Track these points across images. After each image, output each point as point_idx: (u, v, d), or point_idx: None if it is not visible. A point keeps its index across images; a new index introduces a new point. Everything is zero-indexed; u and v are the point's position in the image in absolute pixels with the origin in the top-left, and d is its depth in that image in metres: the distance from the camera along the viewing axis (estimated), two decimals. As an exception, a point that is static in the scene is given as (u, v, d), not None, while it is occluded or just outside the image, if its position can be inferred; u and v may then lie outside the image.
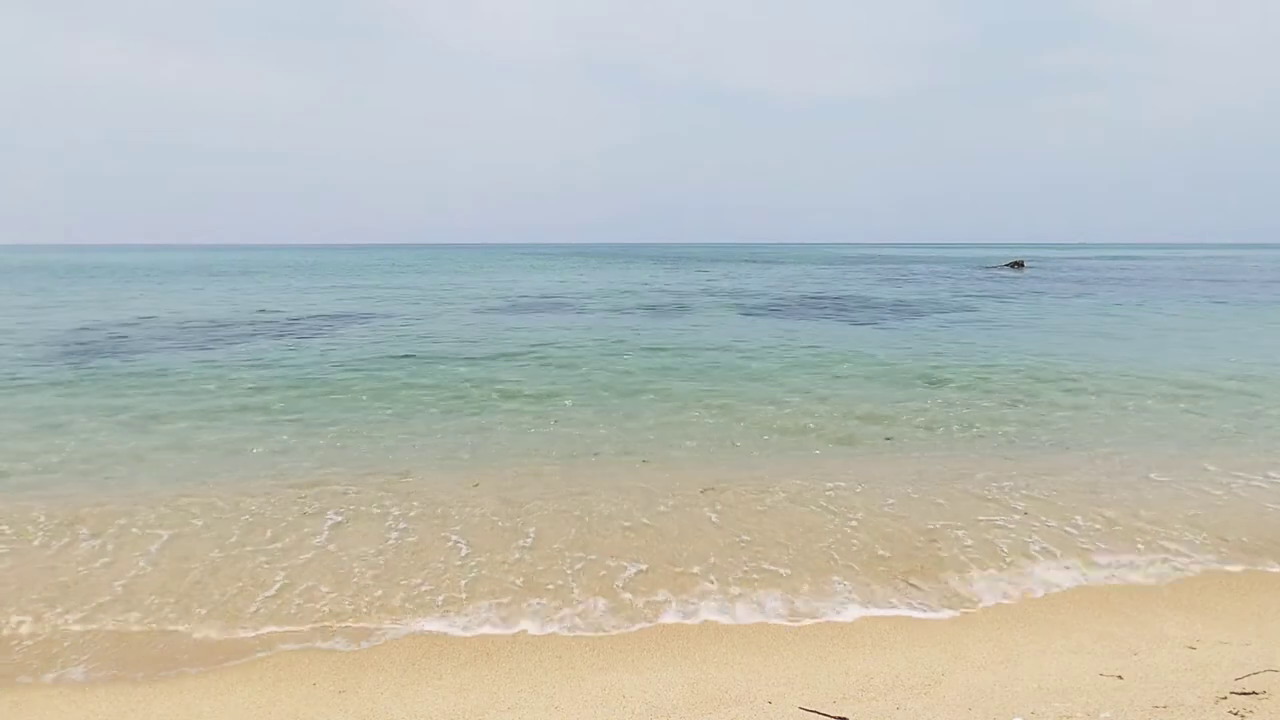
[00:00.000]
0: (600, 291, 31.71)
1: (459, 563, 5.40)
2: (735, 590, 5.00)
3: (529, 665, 4.13)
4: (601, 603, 4.83)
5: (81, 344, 15.98)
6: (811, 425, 9.06)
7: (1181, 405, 10.00)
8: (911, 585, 5.05)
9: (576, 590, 5.00)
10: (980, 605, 4.80)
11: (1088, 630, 4.45)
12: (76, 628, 4.55)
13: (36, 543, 5.74)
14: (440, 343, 16.03)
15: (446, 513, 6.33)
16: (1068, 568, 5.29)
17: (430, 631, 4.51)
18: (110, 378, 12.07)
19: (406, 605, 4.82)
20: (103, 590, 5.00)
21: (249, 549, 5.63)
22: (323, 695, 3.83)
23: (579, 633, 4.50)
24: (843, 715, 3.42)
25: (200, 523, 6.11)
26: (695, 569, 5.29)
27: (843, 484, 6.97)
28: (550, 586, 5.06)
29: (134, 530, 5.96)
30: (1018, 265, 55.00)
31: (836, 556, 5.47)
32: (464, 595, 4.93)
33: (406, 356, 14.01)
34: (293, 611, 4.74)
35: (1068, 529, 5.93)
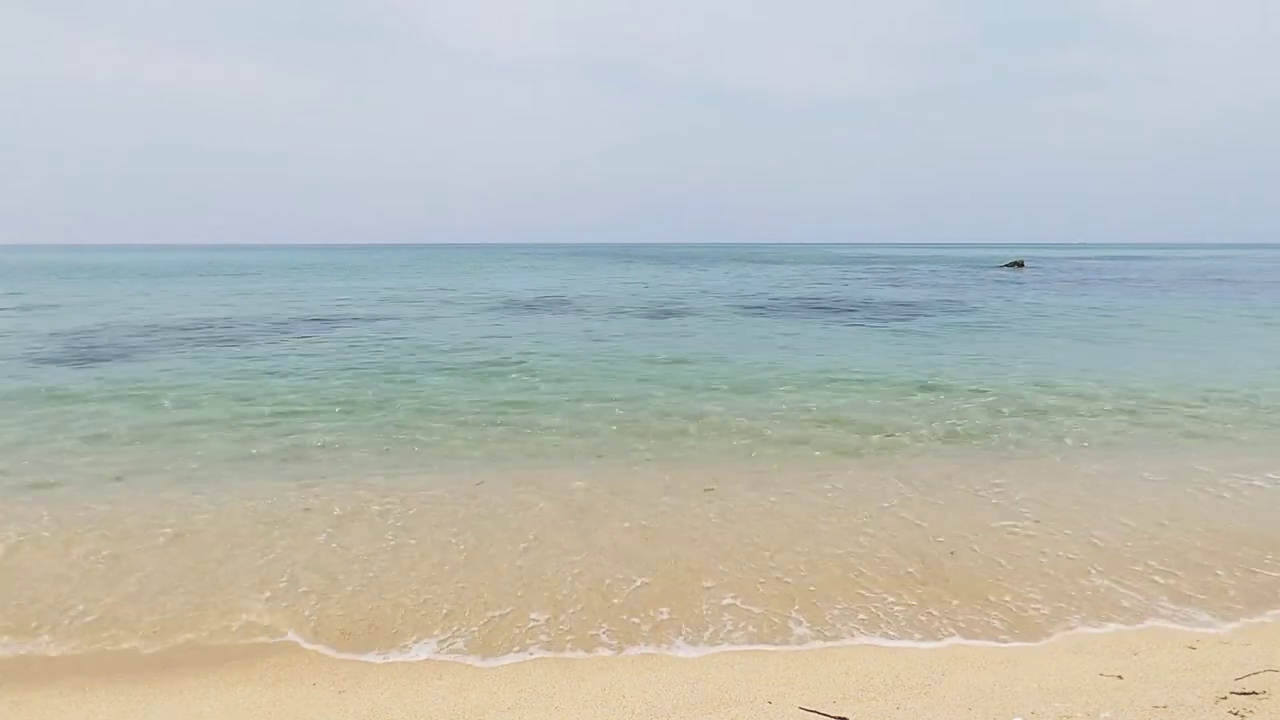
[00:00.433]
0: (599, 293, 31.64)
1: (457, 566, 5.40)
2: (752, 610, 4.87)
3: (529, 665, 4.14)
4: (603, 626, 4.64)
5: (86, 349, 15.96)
6: (811, 435, 9.02)
7: (1185, 414, 9.93)
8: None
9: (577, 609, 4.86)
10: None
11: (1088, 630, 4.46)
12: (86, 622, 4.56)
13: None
14: (430, 350, 15.64)
15: (452, 515, 6.33)
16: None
17: (431, 633, 4.51)
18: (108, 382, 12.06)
19: (407, 607, 4.82)
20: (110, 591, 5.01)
21: (249, 550, 5.63)
22: (323, 695, 3.83)
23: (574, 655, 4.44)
24: (843, 715, 3.42)
25: (187, 525, 6.11)
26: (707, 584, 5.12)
27: (843, 489, 6.95)
28: (552, 604, 5.03)
29: (137, 533, 5.97)
30: (1018, 265, 55.00)
31: (862, 570, 5.40)
32: (466, 598, 4.93)
33: (393, 371, 13.77)
34: (295, 611, 4.75)
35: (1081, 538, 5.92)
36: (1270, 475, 7.20)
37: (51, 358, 14.19)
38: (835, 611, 4.70)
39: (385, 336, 17.35)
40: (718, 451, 8.15)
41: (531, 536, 5.86)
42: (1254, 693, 3.44)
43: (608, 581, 5.12)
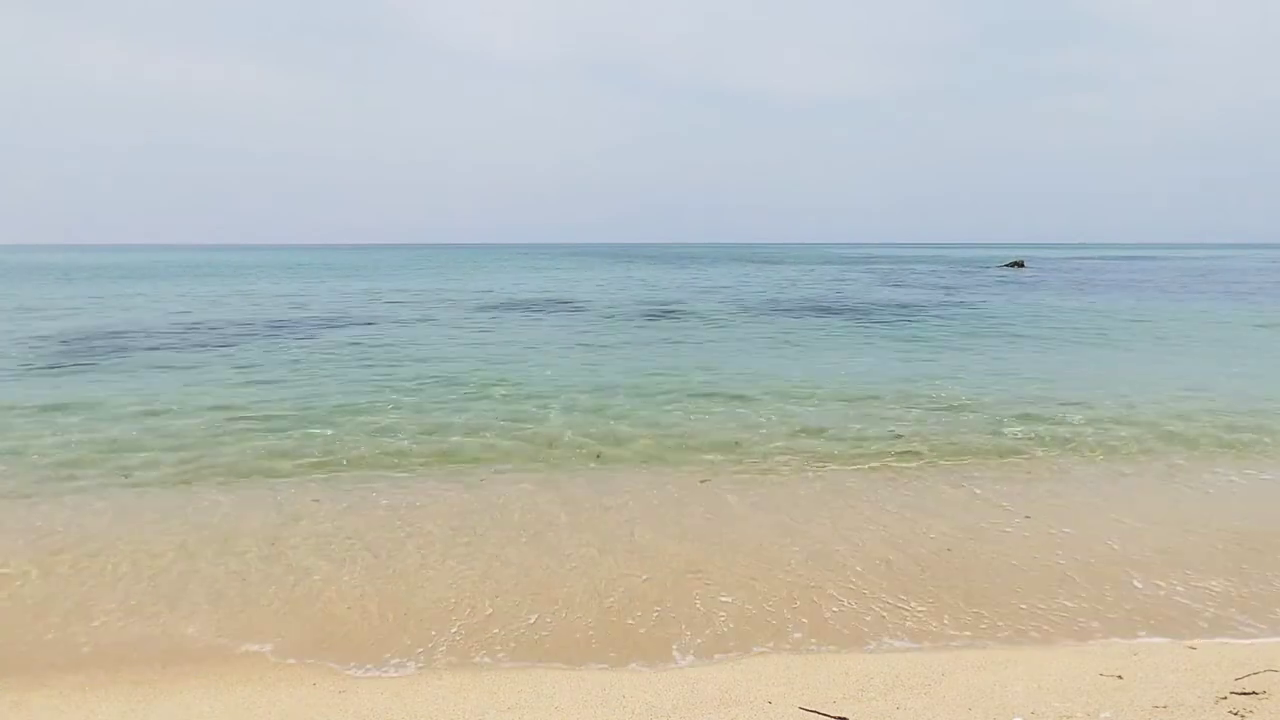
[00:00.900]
0: (596, 294, 31.57)
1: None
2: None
3: (529, 665, 4.13)
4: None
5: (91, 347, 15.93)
6: (807, 445, 8.99)
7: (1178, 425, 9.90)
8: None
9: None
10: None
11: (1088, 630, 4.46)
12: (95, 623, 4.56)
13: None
14: (427, 360, 14.87)
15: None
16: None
17: (430, 633, 4.51)
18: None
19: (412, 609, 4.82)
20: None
21: (245, 553, 5.64)
22: (323, 695, 3.83)
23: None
24: (843, 715, 3.42)
25: (193, 529, 6.11)
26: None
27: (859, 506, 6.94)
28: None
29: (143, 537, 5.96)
30: (1018, 265, 55.04)
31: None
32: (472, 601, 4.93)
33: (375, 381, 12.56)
34: (295, 611, 4.75)
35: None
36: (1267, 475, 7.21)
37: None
38: (834, 611, 4.70)
39: (373, 345, 17.27)
40: (711, 447, 8.16)
41: (529, 538, 5.87)
42: (1254, 693, 3.44)
43: (606, 582, 5.12)
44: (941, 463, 7.74)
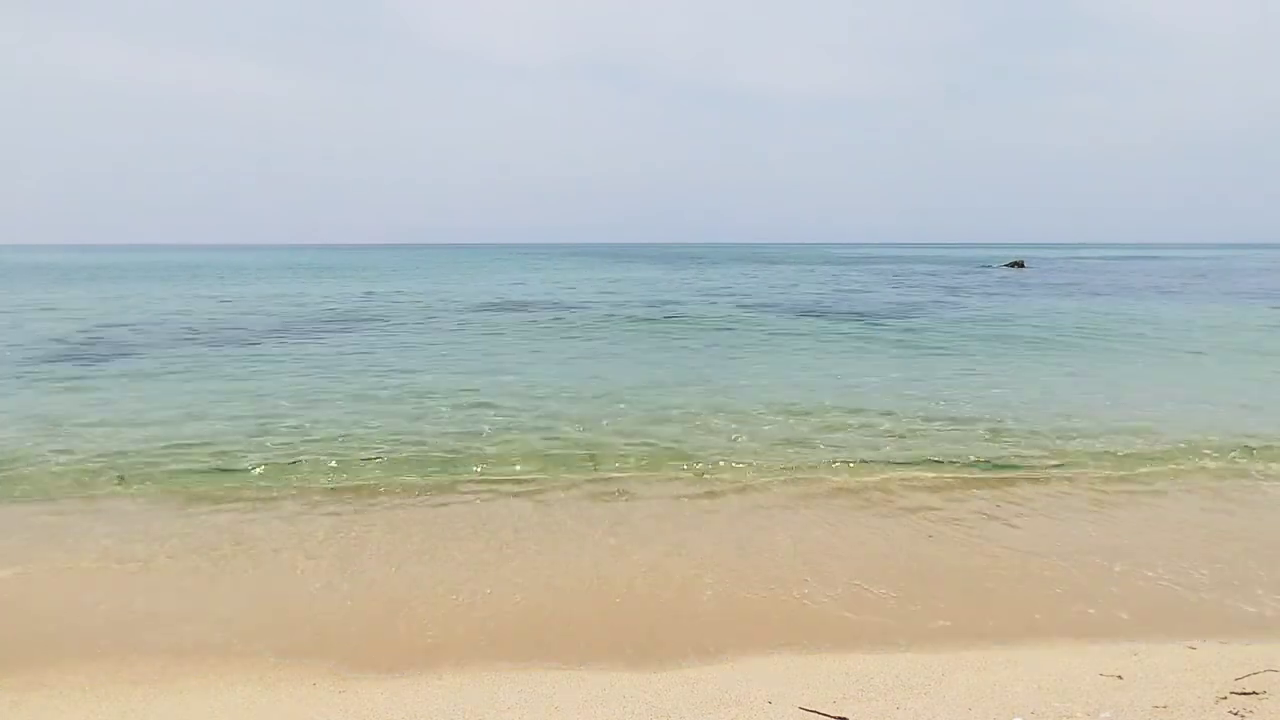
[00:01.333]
0: (594, 296, 31.42)
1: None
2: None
3: (529, 666, 4.13)
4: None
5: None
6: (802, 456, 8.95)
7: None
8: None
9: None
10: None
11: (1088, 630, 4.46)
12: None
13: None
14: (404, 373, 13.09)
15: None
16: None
17: (430, 634, 4.51)
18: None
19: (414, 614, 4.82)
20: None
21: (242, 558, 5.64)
22: (323, 695, 3.83)
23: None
24: (843, 715, 3.42)
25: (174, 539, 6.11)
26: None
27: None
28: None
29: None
30: (1018, 265, 55.06)
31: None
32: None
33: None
34: (295, 612, 4.75)
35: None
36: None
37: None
38: (833, 610, 4.70)
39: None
40: (715, 449, 8.16)
41: (528, 539, 5.87)
42: (1254, 693, 3.44)
43: (606, 583, 5.13)
44: (936, 479, 7.72)
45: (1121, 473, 7.44)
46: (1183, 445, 8.32)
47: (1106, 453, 8.06)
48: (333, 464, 7.64)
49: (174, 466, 7.53)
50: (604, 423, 9.28)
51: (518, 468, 7.59)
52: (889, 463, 7.78)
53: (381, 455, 7.94)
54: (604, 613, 4.72)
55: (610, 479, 7.23)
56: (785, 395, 10.88)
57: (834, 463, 7.76)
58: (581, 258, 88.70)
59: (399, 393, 11.09)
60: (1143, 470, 7.54)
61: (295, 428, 9.02)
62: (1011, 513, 6.32)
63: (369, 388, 11.43)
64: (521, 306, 25.46)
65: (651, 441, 8.46)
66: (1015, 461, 7.89)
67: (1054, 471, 7.49)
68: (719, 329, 19.13)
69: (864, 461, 7.82)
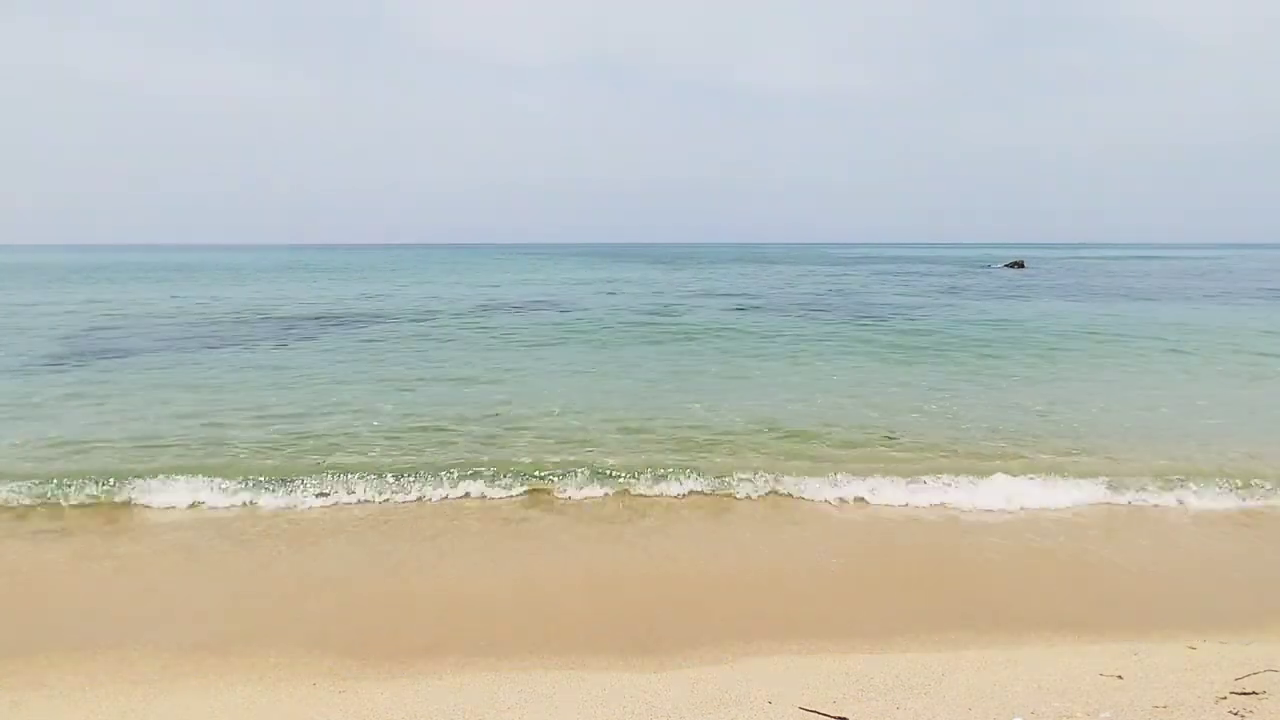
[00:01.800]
0: (592, 297, 31.35)
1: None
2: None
3: (529, 666, 4.13)
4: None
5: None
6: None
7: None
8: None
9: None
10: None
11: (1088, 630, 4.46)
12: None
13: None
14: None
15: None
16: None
17: (430, 634, 4.51)
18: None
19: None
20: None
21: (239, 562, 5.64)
22: (323, 695, 3.83)
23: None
24: (843, 715, 3.42)
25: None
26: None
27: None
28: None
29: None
30: (1018, 265, 55.02)
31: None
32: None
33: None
34: (294, 613, 4.75)
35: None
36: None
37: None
38: (832, 610, 4.70)
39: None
40: (711, 453, 8.15)
41: (527, 540, 5.88)
42: (1254, 693, 3.44)
43: (606, 584, 5.13)
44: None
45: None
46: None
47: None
48: (330, 465, 7.63)
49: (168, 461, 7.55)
50: (604, 422, 9.29)
51: (517, 468, 7.60)
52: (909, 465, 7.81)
53: (375, 459, 7.94)
54: (604, 613, 4.73)
55: (610, 479, 7.23)
56: (782, 400, 10.88)
57: (836, 471, 7.67)
58: (582, 258, 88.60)
59: (408, 391, 11.16)
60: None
61: (288, 431, 9.03)
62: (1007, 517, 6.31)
63: (369, 394, 11.44)
64: (518, 308, 25.43)
65: (652, 442, 8.47)
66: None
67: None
68: (721, 332, 19.04)
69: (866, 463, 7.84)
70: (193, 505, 6.49)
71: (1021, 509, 6.42)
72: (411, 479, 7.08)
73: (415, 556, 5.52)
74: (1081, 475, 7.10)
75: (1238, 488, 6.81)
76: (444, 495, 6.75)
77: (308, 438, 8.55)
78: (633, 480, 7.07)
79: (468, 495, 6.75)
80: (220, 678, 4.03)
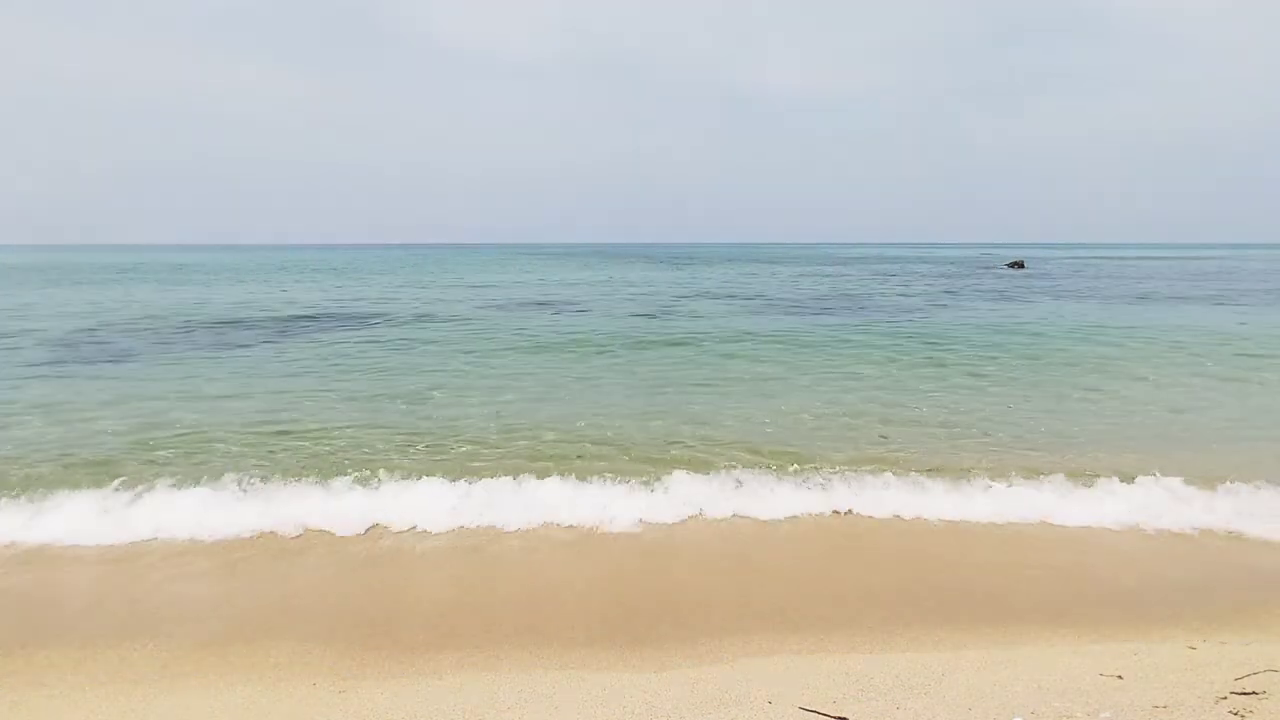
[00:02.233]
0: (591, 299, 31.35)
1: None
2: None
3: (529, 666, 4.13)
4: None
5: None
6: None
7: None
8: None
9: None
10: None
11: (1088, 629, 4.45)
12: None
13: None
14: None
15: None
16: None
17: (430, 634, 4.51)
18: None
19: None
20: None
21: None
22: (323, 695, 3.83)
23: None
24: (843, 715, 3.42)
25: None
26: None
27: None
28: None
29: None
30: (1018, 265, 55.01)
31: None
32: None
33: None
34: (295, 613, 4.76)
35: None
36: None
37: None
38: (832, 610, 4.70)
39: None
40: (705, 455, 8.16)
41: (526, 541, 5.88)
42: (1254, 693, 3.44)
43: (606, 584, 5.13)
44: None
45: None
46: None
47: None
48: (326, 467, 7.64)
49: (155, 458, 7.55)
50: (604, 422, 9.30)
51: (518, 462, 7.60)
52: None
53: (368, 463, 7.95)
54: (604, 613, 4.73)
55: (608, 480, 7.22)
56: (782, 401, 10.89)
57: (835, 467, 7.72)
58: (582, 258, 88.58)
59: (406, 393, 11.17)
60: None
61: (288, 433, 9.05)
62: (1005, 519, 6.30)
63: (371, 391, 11.45)
64: (514, 309, 25.44)
65: (651, 443, 8.48)
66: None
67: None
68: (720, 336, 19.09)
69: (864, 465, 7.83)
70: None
71: (1021, 511, 6.42)
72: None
73: (414, 557, 5.52)
74: (1082, 477, 7.12)
75: (1236, 488, 6.81)
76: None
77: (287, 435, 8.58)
78: (633, 480, 7.08)
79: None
80: (220, 678, 4.03)
